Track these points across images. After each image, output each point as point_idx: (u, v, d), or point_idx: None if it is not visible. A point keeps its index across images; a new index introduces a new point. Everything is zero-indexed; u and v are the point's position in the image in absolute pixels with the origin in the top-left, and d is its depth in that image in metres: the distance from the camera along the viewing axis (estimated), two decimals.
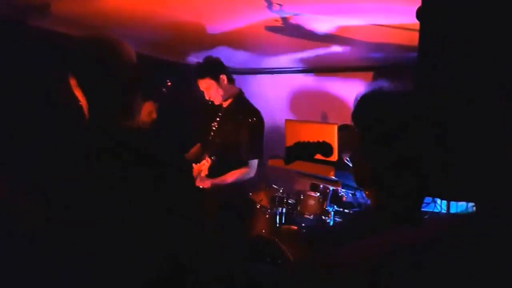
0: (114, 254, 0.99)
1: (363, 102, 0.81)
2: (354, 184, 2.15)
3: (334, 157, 1.88)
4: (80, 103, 1.08)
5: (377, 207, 0.80)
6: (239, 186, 2.48)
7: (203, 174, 2.32)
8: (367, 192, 0.84)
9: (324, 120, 3.39)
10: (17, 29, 2.36)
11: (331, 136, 1.84)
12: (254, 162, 2.44)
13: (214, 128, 2.54)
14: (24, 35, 2.39)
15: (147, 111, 2.45)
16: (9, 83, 2.33)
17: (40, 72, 2.43)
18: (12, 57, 2.33)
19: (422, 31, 0.67)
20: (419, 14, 0.68)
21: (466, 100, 0.64)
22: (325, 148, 1.55)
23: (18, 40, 2.36)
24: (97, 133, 1.07)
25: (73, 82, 1.06)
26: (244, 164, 2.42)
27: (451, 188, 0.63)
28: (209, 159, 2.35)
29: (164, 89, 2.63)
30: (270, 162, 2.23)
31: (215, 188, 2.39)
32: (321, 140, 1.55)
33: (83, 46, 1.06)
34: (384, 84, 0.81)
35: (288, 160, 1.72)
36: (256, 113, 2.47)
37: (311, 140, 1.57)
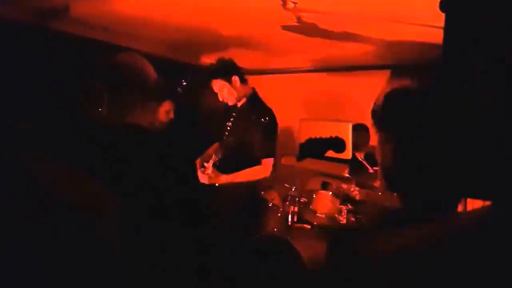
0: (121, 254, 1.00)
1: (390, 101, 0.77)
2: (369, 183, 2.14)
3: (348, 155, 1.87)
4: (101, 106, 1.18)
5: (406, 210, 0.76)
6: (252, 184, 2.48)
7: (208, 171, 2.36)
8: (395, 194, 0.79)
9: (338, 120, 3.37)
10: (38, 32, 2.41)
11: (345, 134, 1.83)
12: (269, 161, 2.43)
13: (228, 128, 2.56)
14: (46, 39, 2.44)
15: (165, 111, 2.48)
16: (30, 84, 2.38)
17: (61, 74, 2.48)
18: (33, 59, 2.38)
19: (447, 23, 0.66)
20: (443, 4, 0.66)
21: (495, 97, 0.62)
22: (338, 143, 1.54)
23: (39, 43, 2.41)
24: (114, 132, 1.10)
25: (99, 88, 1.17)
26: (258, 163, 2.42)
27: (486, 187, 0.61)
28: (214, 157, 2.38)
29: (179, 89, 2.66)
30: (283, 161, 2.22)
31: (227, 185, 2.40)
32: (333, 136, 1.55)
33: (116, 62, 1.22)
34: (408, 83, 0.78)
35: (300, 157, 1.72)
36: (269, 112, 2.47)
37: (323, 136, 1.57)
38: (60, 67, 2.46)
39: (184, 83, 2.45)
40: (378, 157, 0.81)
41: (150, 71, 1.23)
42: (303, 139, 1.78)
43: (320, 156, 1.54)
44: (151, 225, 1.04)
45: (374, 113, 0.80)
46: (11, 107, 2.15)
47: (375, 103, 0.79)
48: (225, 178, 2.40)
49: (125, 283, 0.97)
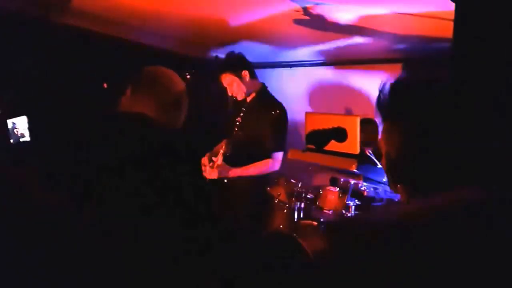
0: (127, 250, 0.99)
1: (398, 91, 0.75)
2: (377, 178, 2.10)
3: (356, 150, 1.83)
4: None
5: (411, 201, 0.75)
6: (260, 180, 2.47)
7: (219, 162, 2.35)
8: (401, 189, 0.77)
9: (345, 113, 3.33)
10: (39, 25, 2.40)
11: (353, 128, 1.80)
12: (279, 155, 2.43)
13: (238, 123, 2.54)
14: (46, 31, 2.43)
15: None
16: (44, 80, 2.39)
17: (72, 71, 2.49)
18: (32, 52, 2.38)
19: (458, 13, 0.63)
20: None
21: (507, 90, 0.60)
22: (339, 133, 1.51)
23: (38, 36, 2.40)
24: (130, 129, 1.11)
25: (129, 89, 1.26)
26: (268, 157, 2.41)
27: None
28: (224, 148, 2.37)
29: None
30: (290, 155, 2.20)
31: (236, 180, 2.39)
32: (335, 126, 1.52)
33: (150, 73, 1.30)
34: (418, 75, 0.76)
35: (306, 148, 1.69)
36: (279, 106, 2.46)
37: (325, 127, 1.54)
38: (60, 61, 2.45)
39: (188, 76, 2.43)
40: (383, 148, 0.79)
41: (179, 96, 1.31)
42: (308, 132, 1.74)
43: (323, 146, 1.51)
44: (153, 223, 1.03)
45: (380, 103, 0.78)
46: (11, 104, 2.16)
47: (381, 93, 0.78)
48: (234, 172, 2.39)
49: (125, 283, 0.96)
